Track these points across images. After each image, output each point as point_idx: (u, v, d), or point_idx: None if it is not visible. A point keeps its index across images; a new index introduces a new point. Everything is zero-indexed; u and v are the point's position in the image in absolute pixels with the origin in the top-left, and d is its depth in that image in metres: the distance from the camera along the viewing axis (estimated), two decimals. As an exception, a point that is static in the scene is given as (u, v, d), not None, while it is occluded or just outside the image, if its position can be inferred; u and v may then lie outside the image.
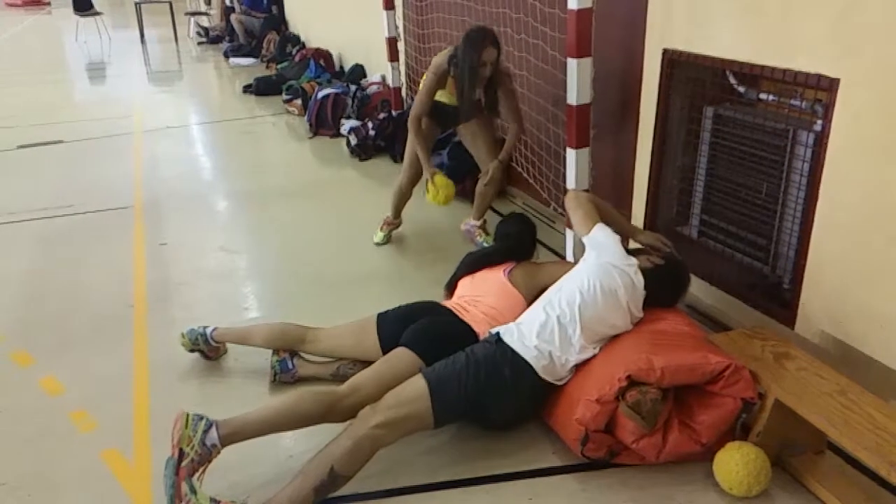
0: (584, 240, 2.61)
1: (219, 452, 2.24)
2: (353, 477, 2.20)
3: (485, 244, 4.01)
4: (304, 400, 2.37)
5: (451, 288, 3.06)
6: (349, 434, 2.21)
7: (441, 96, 3.78)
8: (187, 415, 2.27)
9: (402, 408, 2.28)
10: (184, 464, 2.17)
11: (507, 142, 3.91)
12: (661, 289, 2.55)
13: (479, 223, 4.18)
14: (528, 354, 2.42)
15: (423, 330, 2.65)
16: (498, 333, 2.51)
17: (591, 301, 2.44)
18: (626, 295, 2.47)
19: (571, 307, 2.45)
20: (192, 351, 3.03)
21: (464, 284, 2.98)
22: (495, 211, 4.50)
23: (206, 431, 2.22)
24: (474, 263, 3.02)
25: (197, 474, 2.18)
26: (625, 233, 2.77)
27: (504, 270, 2.90)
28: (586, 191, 3.41)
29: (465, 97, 3.71)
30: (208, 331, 3.00)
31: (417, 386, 2.34)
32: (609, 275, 2.48)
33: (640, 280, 2.50)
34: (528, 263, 3.00)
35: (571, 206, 2.75)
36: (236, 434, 2.27)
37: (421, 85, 3.91)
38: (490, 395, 2.39)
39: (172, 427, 2.24)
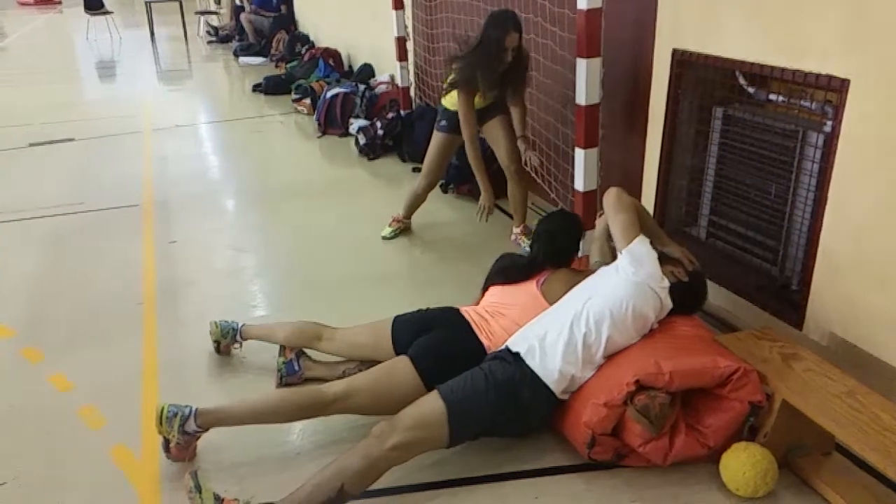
0: (623, 251, 2.52)
1: (206, 431, 2.42)
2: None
3: (528, 249, 3.90)
4: (290, 400, 2.42)
5: (483, 293, 2.93)
6: (363, 453, 2.16)
7: (449, 103, 3.69)
8: (162, 409, 2.38)
9: (419, 430, 2.24)
10: (172, 446, 2.38)
11: (517, 121, 3.90)
12: (681, 303, 2.52)
13: (520, 230, 4.12)
14: (550, 378, 2.36)
15: (432, 346, 2.58)
16: (518, 353, 2.42)
17: (620, 323, 2.39)
18: (654, 319, 2.45)
19: (599, 327, 2.38)
20: (214, 341, 3.04)
21: (493, 291, 2.85)
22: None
23: (183, 423, 2.37)
24: (509, 274, 2.84)
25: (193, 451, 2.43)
26: (657, 240, 2.68)
27: (538, 281, 2.75)
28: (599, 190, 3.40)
29: (486, 83, 3.65)
30: (238, 325, 3.04)
31: (436, 408, 2.28)
32: (644, 296, 2.42)
33: (669, 303, 2.47)
34: (566, 272, 2.80)
35: (612, 208, 2.61)
36: (218, 422, 2.42)
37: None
38: (506, 417, 2.36)
39: None
